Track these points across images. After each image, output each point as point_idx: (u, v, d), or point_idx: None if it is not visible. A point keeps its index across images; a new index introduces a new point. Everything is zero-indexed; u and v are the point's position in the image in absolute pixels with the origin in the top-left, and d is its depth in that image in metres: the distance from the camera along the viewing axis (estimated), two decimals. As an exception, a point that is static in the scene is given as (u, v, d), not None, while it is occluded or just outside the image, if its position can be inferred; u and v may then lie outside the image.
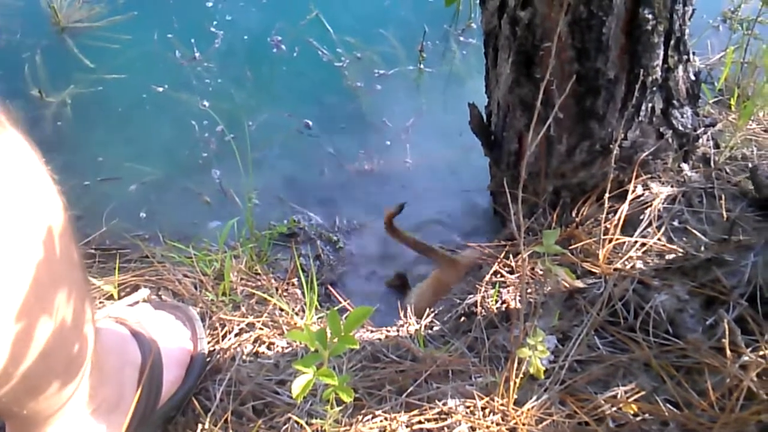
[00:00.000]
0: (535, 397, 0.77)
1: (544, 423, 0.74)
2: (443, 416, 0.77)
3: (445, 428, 0.76)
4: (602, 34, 0.88)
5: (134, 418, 0.71)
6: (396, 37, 1.61)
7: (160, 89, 1.48)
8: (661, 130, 1.01)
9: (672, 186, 1.03)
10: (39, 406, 0.58)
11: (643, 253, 0.95)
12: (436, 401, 0.78)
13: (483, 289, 0.99)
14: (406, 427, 0.76)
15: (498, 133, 1.11)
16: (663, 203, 1.01)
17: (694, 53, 1.00)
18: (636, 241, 0.96)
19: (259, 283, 1.06)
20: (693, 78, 1.01)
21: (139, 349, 0.76)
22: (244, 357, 0.89)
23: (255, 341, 0.93)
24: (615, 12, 0.87)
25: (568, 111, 0.97)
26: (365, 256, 1.25)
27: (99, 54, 1.52)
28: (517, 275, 1.00)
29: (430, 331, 0.96)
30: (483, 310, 0.95)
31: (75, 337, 0.58)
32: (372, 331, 0.97)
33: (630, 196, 1.01)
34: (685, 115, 1.02)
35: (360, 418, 0.78)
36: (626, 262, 0.93)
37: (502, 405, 0.77)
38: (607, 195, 0.97)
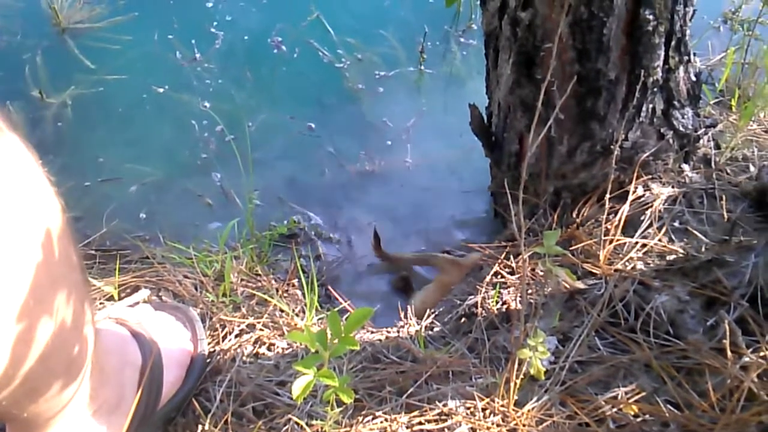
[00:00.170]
0: (535, 398, 0.77)
1: (545, 424, 0.74)
2: (444, 417, 0.77)
3: (446, 429, 0.76)
4: (603, 35, 0.88)
5: (134, 419, 0.71)
6: (396, 38, 1.61)
7: (161, 90, 1.48)
8: (662, 130, 1.01)
9: (673, 187, 1.03)
10: (39, 408, 0.58)
11: (644, 253, 0.95)
12: (437, 402, 0.78)
13: (483, 289, 0.99)
14: (407, 428, 0.76)
15: (499, 134, 1.10)
16: (664, 204, 1.01)
17: (695, 54, 1.00)
18: (637, 242, 0.96)
19: (260, 284, 1.06)
20: (694, 79, 1.01)
21: (140, 350, 0.76)
22: (244, 358, 0.89)
23: (255, 342, 0.92)
24: (616, 13, 0.87)
25: (569, 112, 0.97)
26: (366, 256, 1.25)
27: (100, 55, 1.52)
28: (517, 276, 1.00)
29: (430, 332, 0.95)
30: (483, 311, 0.94)
31: (75, 339, 0.58)
32: (372, 332, 0.97)
33: (631, 197, 1.01)
34: (685, 116, 1.02)
35: (360, 419, 0.77)
36: (627, 263, 0.93)
37: (502, 406, 0.77)
38: (607, 196, 0.97)
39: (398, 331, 0.96)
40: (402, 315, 0.99)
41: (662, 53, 0.92)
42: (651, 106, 0.97)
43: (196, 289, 1.02)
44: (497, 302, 0.95)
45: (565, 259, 0.98)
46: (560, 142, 1.00)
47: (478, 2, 1.05)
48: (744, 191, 1.00)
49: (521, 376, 0.74)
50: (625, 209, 1.00)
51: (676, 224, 0.98)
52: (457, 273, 1.11)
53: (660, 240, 0.96)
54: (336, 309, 0.92)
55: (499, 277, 1.01)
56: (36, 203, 0.49)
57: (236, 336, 0.93)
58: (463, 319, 0.96)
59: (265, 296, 1.00)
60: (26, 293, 0.47)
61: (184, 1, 1.67)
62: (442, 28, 1.65)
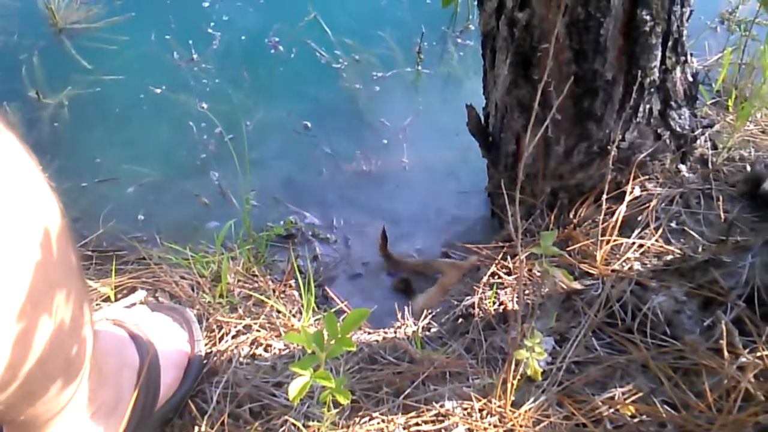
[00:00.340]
0: (532, 399, 0.77)
1: (542, 425, 0.74)
2: (440, 418, 0.77)
3: (443, 430, 0.76)
4: (600, 35, 0.88)
5: (131, 420, 0.71)
6: (394, 39, 1.61)
7: (158, 90, 1.47)
8: (659, 131, 1.01)
9: (670, 187, 1.03)
10: (37, 410, 0.58)
11: (641, 254, 0.95)
12: (434, 403, 0.78)
13: (480, 290, 0.99)
14: (404, 429, 0.76)
15: (496, 134, 1.11)
16: (661, 204, 1.01)
17: (691, 54, 1.00)
18: (634, 243, 0.96)
19: (257, 285, 1.06)
20: (691, 79, 1.01)
21: (137, 352, 0.76)
22: (241, 359, 0.89)
23: (252, 343, 0.92)
24: (613, 13, 0.87)
25: (566, 112, 0.97)
26: (363, 257, 1.25)
27: (96, 55, 1.52)
28: (514, 277, 1.00)
29: (427, 333, 0.95)
30: (480, 312, 0.95)
31: (73, 341, 0.57)
32: (369, 333, 0.97)
33: (628, 198, 1.01)
34: (682, 117, 1.02)
35: (357, 420, 0.77)
36: (624, 264, 0.93)
37: (499, 407, 0.77)
38: (604, 196, 0.97)
39: (395, 332, 0.96)
40: (399, 316, 0.99)
41: (659, 54, 0.93)
42: (648, 106, 0.97)
43: (192, 290, 1.01)
44: (494, 303, 0.95)
45: (562, 259, 0.98)
46: (557, 142, 1.01)
47: (475, 3, 1.05)
48: (740, 192, 1.00)
49: (518, 377, 0.74)
50: (622, 210, 1.00)
51: (673, 225, 0.98)
52: (456, 275, 1.11)
53: (657, 240, 0.96)
54: (333, 310, 0.92)
55: (496, 277, 1.01)
56: (34, 204, 0.49)
57: (233, 337, 0.93)
58: (460, 320, 0.96)
59: (262, 297, 1.00)
60: (24, 295, 0.47)
61: (181, 2, 1.66)
62: (439, 29, 1.65)
